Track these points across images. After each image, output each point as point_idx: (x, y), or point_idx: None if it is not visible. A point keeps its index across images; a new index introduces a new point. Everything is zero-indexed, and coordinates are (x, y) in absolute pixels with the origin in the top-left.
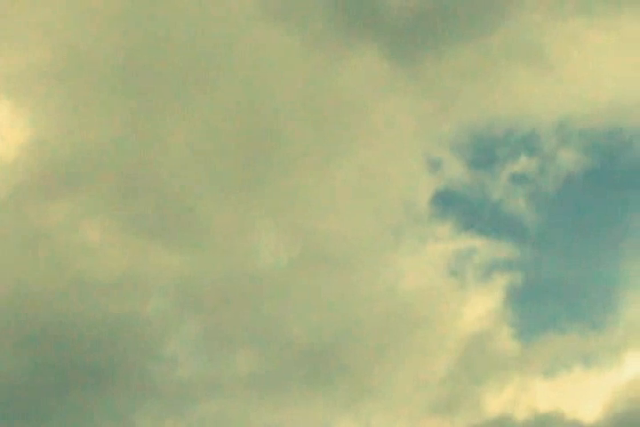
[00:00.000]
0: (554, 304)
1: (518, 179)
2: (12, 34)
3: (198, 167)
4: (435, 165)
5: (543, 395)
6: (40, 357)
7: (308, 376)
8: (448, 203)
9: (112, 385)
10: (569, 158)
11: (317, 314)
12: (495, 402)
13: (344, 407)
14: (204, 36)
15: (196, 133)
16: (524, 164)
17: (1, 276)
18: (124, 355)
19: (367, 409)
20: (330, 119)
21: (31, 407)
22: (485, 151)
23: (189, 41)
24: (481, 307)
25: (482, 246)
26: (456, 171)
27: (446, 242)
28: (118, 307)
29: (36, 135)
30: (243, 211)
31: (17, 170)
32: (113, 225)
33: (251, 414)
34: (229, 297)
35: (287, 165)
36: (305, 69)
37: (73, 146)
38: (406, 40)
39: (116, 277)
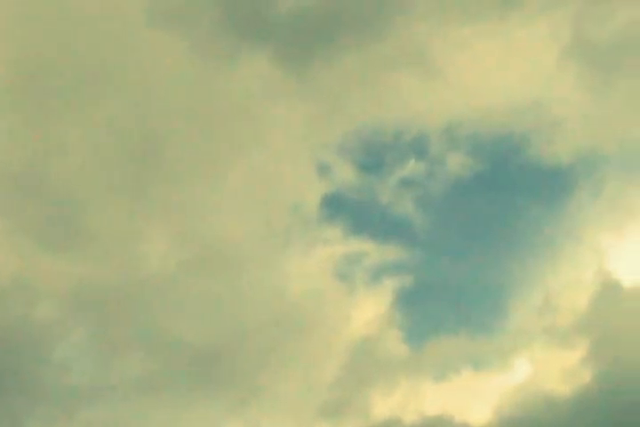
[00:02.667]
0: (443, 308)
1: (407, 182)
2: None
3: (89, 173)
4: (324, 169)
5: (432, 398)
6: None
7: (198, 379)
8: (337, 207)
9: (2, 389)
10: (457, 162)
11: (207, 317)
12: (384, 405)
13: (233, 410)
14: (93, 41)
15: (87, 139)
16: (412, 168)
17: None
18: (15, 360)
19: (256, 411)
20: (220, 123)
21: None
22: (374, 155)
23: (79, 45)
24: (370, 310)
25: (371, 250)
26: (345, 175)
27: (335, 245)
28: (7, 312)
29: None
30: (133, 216)
31: None
32: (2, 230)
33: (140, 416)
34: (119, 301)
35: (177, 170)
36: (194, 74)
37: None
38: (296, 45)
39: (5, 282)
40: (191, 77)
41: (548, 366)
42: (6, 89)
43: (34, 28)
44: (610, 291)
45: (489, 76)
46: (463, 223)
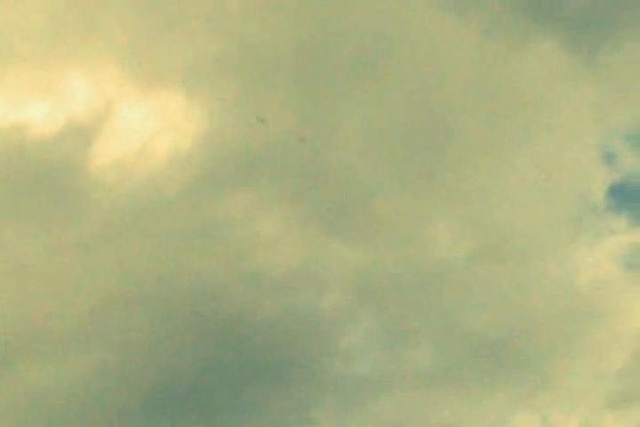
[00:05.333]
0: None
1: None
2: (184, 26)
3: (375, 160)
4: (610, 157)
5: None
6: (215, 352)
7: (486, 370)
8: (624, 196)
9: (288, 380)
10: None
11: (494, 307)
12: None
13: (521, 400)
14: (376, 27)
15: (372, 127)
16: None
17: (175, 270)
18: (300, 349)
19: (544, 402)
20: (505, 110)
21: (207, 404)
22: None
23: (364, 33)
24: None
25: None
26: (632, 163)
27: (622, 235)
28: (294, 301)
29: (211, 127)
30: (419, 204)
31: (192, 162)
32: (289, 218)
33: (427, 408)
34: (406, 290)
35: (463, 158)
36: (480, 59)
37: (248, 138)
38: (584, 29)
39: (292, 271)
40: (477, 63)
41: None
42: (288, 78)
43: (317, 15)
44: None
45: None
46: None
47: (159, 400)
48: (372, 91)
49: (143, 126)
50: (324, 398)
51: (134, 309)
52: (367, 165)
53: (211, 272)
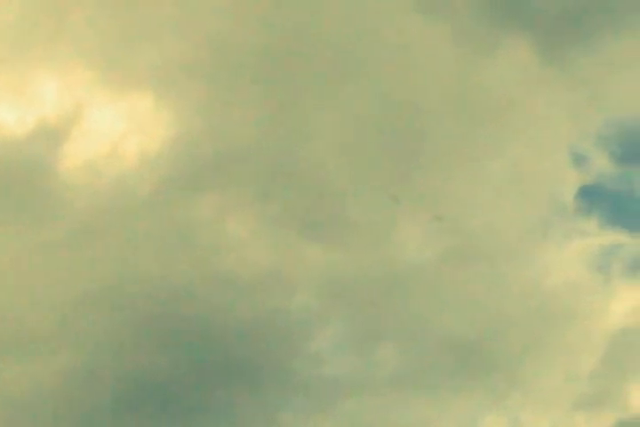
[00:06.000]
0: None
1: None
2: (152, 28)
3: (346, 163)
4: (581, 160)
5: None
6: (185, 354)
7: (455, 372)
8: (594, 198)
9: (258, 382)
10: None
11: (464, 309)
12: None
13: (491, 402)
14: (346, 29)
15: (344, 129)
16: None
17: (145, 271)
18: (270, 351)
19: (514, 404)
20: (477, 113)
21: (177, 405)
22: (633, 145)
23: (333, 28)
24: (628, 302)
25: (628, 242)
26: (603, 165)
27: (592, 237)
28: (264, 303)
29: (179, 129)
30: (390, 206)
31: (161, 164)
32: (259, 220)
33: (397, 411)
34: (376, 293)
35: (434, 161)
36: (453, 63)
37: (217, 140)
38: (556, 32)
39: (262, 273)
40: (450, 67)
41: None
42: (257, 80)
43: (286, 17)
44: None
45: None
46: None
47: (129, 401)
48: (343, 93)
49: (113, 128)
50: (294, 399)
51: (104, 310)
52: (339, 167)
53: (181, 274)
